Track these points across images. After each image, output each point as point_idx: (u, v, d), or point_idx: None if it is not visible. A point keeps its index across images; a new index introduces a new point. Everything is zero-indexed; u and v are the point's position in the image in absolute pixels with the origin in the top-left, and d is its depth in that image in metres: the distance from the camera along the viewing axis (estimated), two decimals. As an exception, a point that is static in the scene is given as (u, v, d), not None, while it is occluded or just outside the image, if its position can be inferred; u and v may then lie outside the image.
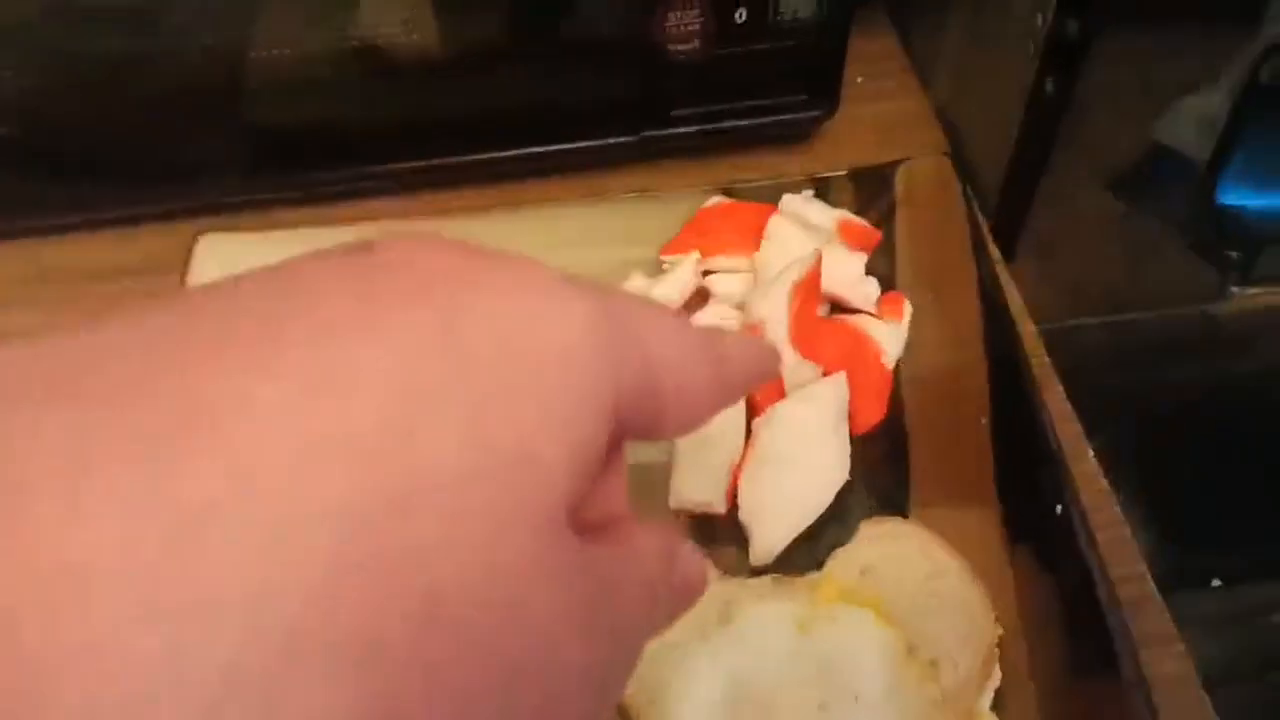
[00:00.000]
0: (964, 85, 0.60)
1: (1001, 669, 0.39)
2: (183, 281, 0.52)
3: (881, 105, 0.61)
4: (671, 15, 0.51)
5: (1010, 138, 0.53)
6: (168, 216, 0.57)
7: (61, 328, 0.15)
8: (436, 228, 0.54)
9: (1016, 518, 0.43)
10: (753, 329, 0.45)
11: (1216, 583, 0.52)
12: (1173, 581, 0.43)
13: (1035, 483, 0.44)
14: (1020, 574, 0.42)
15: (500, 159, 0.57)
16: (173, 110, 0.54)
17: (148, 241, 0.57)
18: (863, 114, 0.59)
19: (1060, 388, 0.48)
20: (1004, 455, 0.45)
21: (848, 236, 0.47)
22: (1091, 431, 0.47)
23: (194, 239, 0.54)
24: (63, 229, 0.58)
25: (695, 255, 0.49)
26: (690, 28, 0.52)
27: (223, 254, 0.53)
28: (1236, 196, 0.51)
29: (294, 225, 0.55)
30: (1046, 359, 0.49)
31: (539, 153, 0.57)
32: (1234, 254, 0.53)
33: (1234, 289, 0.53)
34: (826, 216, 0.48)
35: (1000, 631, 0.39)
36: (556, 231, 0.53)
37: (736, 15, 0.51)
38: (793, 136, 0.59)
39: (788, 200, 0.49)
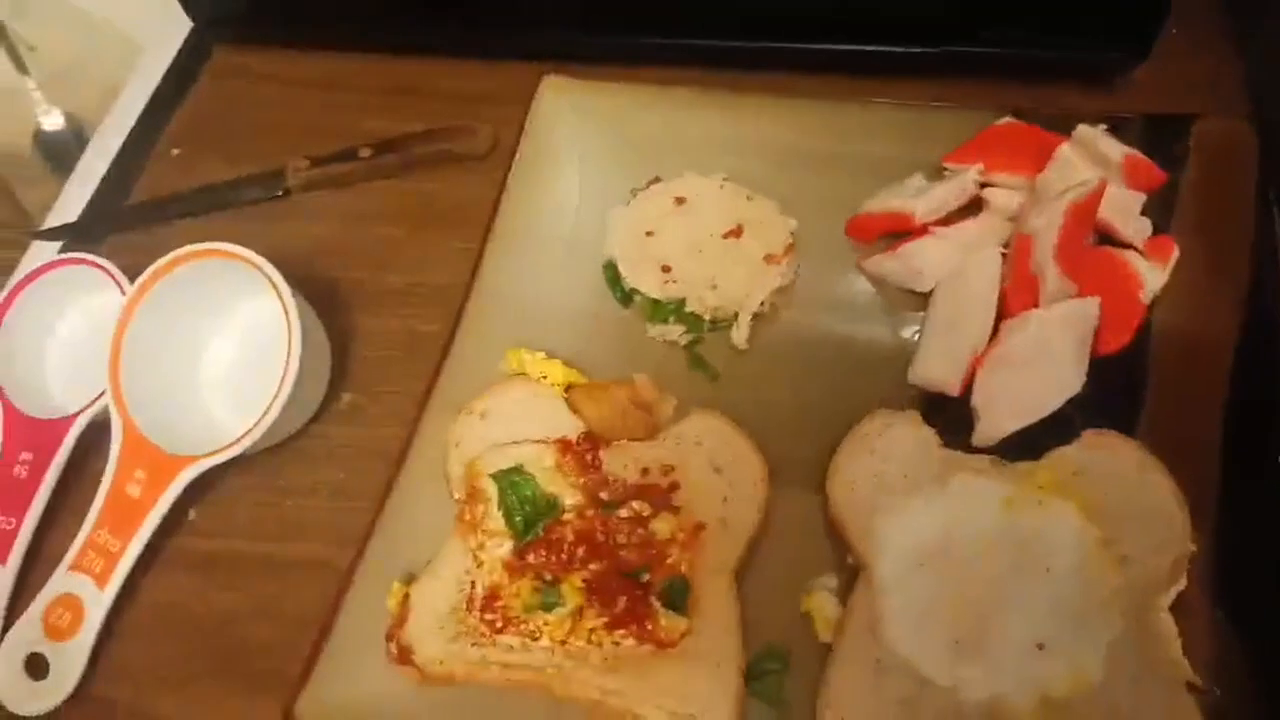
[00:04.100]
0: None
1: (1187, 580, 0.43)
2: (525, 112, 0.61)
3: (1191, 60, 0.61)
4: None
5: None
6: (512, 57, 0.66)
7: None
8: (741, 102, 0.60)
9: (1238, 462, 0.46)
10: (1023, 240, 0.49)
11: None
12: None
13: (1264, 434, 0.46)
14: (1230, 513, 0.45)
15: (813, 50, 0.62)
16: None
17: (499, 75, 0.66)
18: (1170, 66, 0.60)
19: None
20: (1238, 405, 0.47)
21: (1131, 173, 0.50)
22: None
23: (539, 77, 0.62)
24: (423, 51, 0.69)
25: (978, 166, 0.53)
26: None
27: (561, 93, 0.61)
28: None
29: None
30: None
31: (851, 51, 0.61)
32: None
33: None
34: (1115, 151, 0.50)
35: (1194, 548, 0.43)
36: (853, 123, 0.58)
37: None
38: (1096, 75, 0.60)
39: (1082, 130, 0.51)
